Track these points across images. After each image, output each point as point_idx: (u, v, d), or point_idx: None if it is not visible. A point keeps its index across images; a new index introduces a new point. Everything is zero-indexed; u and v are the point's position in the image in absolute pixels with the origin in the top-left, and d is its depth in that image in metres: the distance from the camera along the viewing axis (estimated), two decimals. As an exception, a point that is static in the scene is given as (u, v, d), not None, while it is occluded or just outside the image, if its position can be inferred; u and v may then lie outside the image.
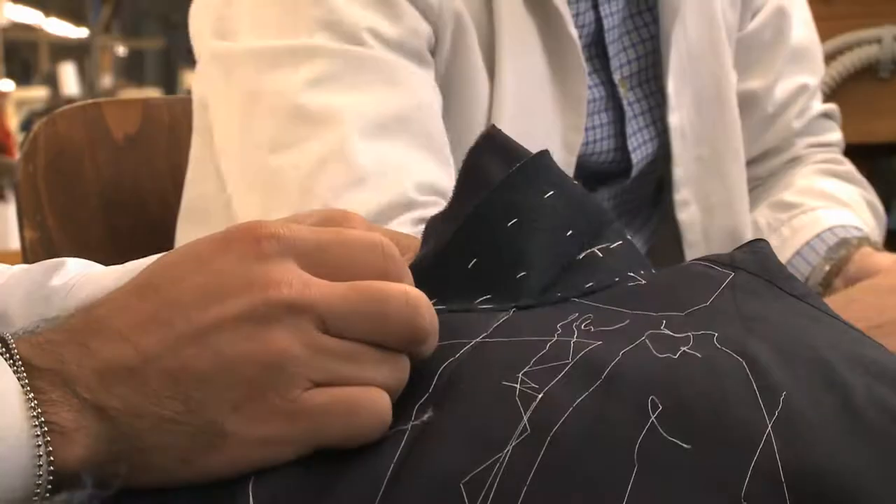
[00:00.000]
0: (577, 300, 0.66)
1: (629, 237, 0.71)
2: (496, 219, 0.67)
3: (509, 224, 0.66)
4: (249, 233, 0.58)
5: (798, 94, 1.39)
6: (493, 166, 0.69)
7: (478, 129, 1.12)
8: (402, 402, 0.59)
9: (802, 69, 1.40)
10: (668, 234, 1.31)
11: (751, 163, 1.39)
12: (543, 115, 1.16)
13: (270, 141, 1.05)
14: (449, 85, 1.12)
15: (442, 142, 1.07)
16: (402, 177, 1.03)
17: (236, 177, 1.09)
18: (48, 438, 0.55)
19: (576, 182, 0.70)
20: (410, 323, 0.58)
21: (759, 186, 1.40)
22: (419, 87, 1.07)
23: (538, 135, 1.14)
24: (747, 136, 1.34)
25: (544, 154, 0.69)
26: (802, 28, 1.39)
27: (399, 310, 0.58)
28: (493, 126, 0.71)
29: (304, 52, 1.05)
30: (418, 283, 0.62)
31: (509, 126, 1.10)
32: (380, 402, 0.58)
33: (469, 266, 0.66)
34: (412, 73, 1.07)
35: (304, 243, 0.59)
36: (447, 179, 1.05)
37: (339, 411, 0.57)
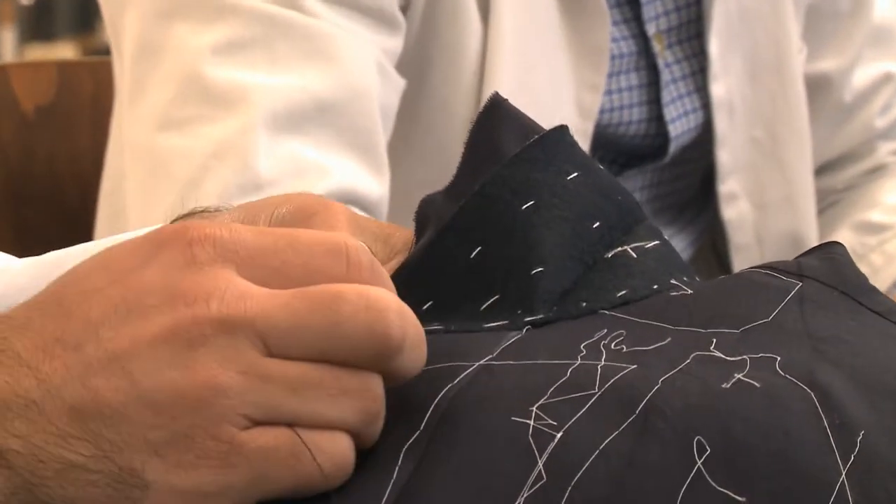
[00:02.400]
0: (606, 312, 0.58)
1: (666, 238, 0.61)
2: (508, 199, 0.58)
3: (524, 207, 0.58)
4: (180, 235, 0.50)
5: (881, 84, 1.25)
6: (506, 138, 0.61)
7: (467, 85, 0.99)
8: (386, 442, 0.52)
9: (886, 54, 1.25)
10: (712, 236, 1.18)
11: (824, 170, 1.25)
12: (552, 69, 1.01)
13: (160, 114, 0.91)
14: (431, 29, 0.98)
15: (374, 139, 0.92)
16: (312, 183, 0.88)
17: (126, 148, 0.96)
18: None
19: (602, 167, 0.61)
20: (372, 332, 0.49)
21: (836, 203, 1.26)
22: (358, 66, 0.91)
23: (545, 94, 0.99)
24: (819, 131, 1.20)
25: (565, 129, 0.61)
26: (887, 2, 1.26)
27: (355, 316, 0.49)
28: (497, 94, 0.61)
29: (216, 7, 0.90)
30: (409, 281, 0.55)
31: (508, 82, 0.96)
32: (337, 444, 0.50)
33: (471, 255, 0.58)
34: (355, 44, 0.91)
35: (246, 248, 0.50)
36: (374, 185, 0.91)
37: (283, 456, 0.49)
